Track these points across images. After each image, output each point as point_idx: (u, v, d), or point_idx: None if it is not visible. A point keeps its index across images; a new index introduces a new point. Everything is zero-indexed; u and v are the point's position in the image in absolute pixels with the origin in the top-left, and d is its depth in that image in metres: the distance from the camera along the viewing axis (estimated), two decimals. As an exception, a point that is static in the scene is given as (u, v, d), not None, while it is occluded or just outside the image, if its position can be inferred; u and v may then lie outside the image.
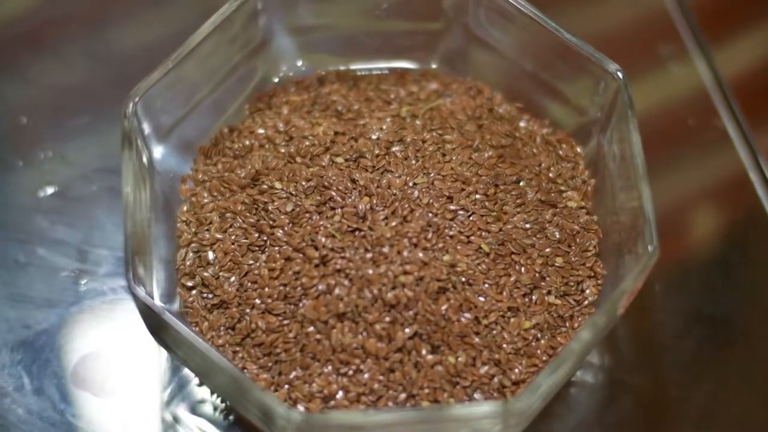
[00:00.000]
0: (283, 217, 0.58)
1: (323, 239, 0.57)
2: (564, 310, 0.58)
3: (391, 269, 0.56)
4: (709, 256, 0.67)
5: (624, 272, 0.57)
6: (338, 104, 0.63)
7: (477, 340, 0.56)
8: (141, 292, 0.53)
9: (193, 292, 0.58)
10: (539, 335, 0.57)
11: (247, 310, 0.57)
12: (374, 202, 0.58)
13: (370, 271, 0.56)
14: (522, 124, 0.63)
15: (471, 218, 0.58)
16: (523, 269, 0.58)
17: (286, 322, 0.56)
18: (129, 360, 0.62)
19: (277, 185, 0.59)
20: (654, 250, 0.54)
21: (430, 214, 0.58)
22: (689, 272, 0.66)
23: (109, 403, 0.60)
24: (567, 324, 0.58)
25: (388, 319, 0.56)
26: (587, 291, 0.58)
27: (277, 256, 0.57)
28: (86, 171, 0.67)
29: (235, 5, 0.61)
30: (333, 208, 0.58)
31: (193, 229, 0.59)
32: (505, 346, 0.57)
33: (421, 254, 0.56)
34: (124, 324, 0.62)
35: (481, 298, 0.57)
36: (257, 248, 0.58)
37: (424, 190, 0.58)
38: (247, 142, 0.62)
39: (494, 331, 0.57)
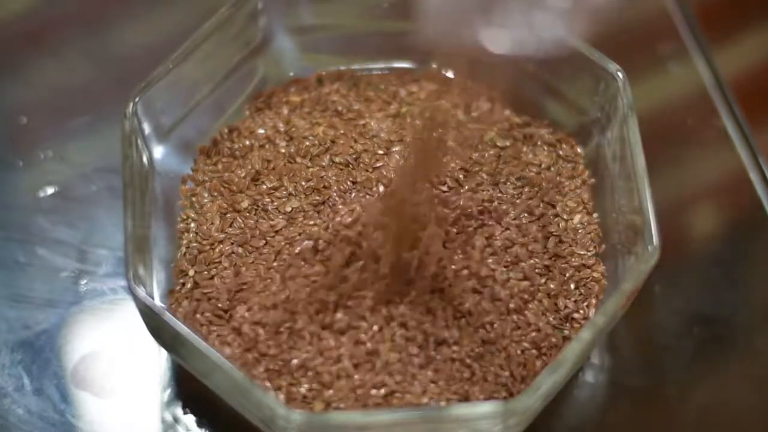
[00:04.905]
0: (282, 217, 0.58)
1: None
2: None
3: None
4: (709, 256, 0.67)
5: (624, 272, 0.57)
6: (338, 104, 0.63)
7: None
8: (141, 292, 0.53)
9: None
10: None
11: (248, 310, 0.57)
12: (374, 202, 0.58)
13: (371, 272, 0.56)
14: (522, 124, 0.63)
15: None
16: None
17: (285, 323, 0.56)
18: (129, 360, 0.62)
19: (277, 185, 0.59)
20: (654, 250, 0.54)
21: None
22: (689, 272, 0.66)
23: (109, 403, 0.60)
24: (567, 324, 0.58)
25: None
26: (587, 291, 0.58)
27: (277, 256, 0.57)
28: (86, 171, 0.67)
29: (235, 5, 0.61)
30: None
31: (193, 230, 0.59)
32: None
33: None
34: (124, 324, 0.62)
35: (481, 298, 0.57)
36: (257, 248, 0.58)
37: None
38: (247, 142, 0.62)
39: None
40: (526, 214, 0.59)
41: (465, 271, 0.56)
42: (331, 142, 0.60)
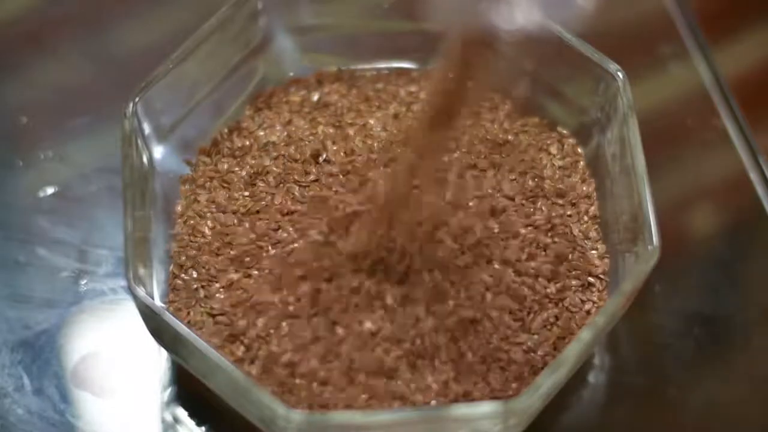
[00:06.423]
0: (282, 217, 0.58)
1: (323, 239, 0.57)
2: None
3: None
4: (709, 256, 0.67)
5: (624, 272, 0.57)
6: (338, 104, 0.63)
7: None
8: (141, 292, 0.53)
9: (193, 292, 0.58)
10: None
11: (246, 311, 0.57)
12: (374, 202, 0.58)
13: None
14: (522, 124, 0.63)
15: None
16: (523, 269, 0.58)
17: (286, 322, 0.56)
18: (129, 360, 0.62)
19: (277, 185, 0.59)
20: (654, 250, 0.54)
21: (430, 214, 0.58)
22: (689, 272, 0.66)
23: (109, 403, 0.60)
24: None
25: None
26: (587, 291, 0.59)
27: (277, 256, 0.57)
28: (86, 171, 0.67)
29: (235, 5, 0.61)
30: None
31: (192, 230, 0.59)
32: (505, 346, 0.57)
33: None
34: (124, 324, 0.62)
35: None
36: (256, 248, 0.58)
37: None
38: (247, 142, 0.62)
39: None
40: (525, 215, 0.59)
41: (466, 272, 0.57)
42: (331, 142, 0.61)
